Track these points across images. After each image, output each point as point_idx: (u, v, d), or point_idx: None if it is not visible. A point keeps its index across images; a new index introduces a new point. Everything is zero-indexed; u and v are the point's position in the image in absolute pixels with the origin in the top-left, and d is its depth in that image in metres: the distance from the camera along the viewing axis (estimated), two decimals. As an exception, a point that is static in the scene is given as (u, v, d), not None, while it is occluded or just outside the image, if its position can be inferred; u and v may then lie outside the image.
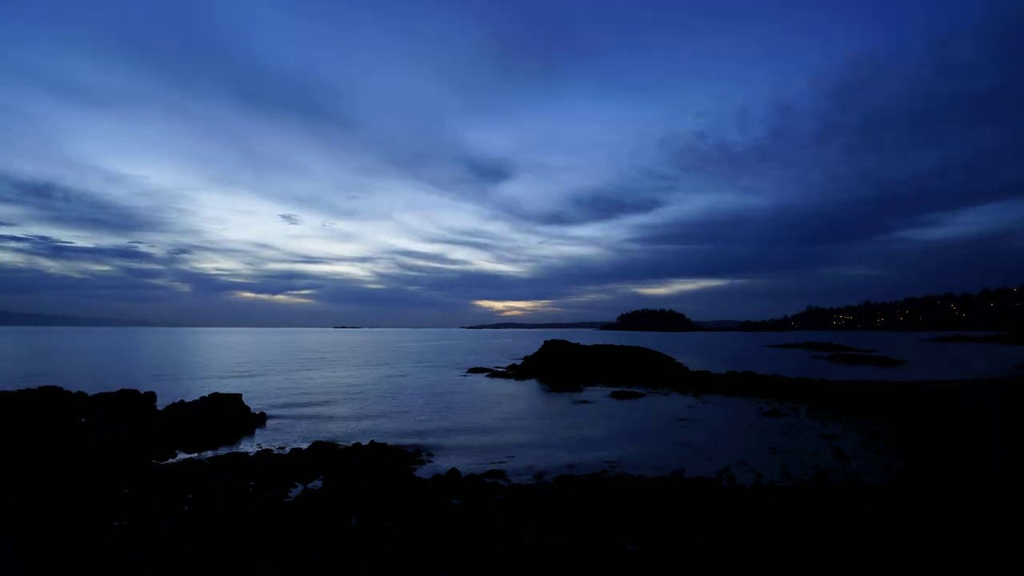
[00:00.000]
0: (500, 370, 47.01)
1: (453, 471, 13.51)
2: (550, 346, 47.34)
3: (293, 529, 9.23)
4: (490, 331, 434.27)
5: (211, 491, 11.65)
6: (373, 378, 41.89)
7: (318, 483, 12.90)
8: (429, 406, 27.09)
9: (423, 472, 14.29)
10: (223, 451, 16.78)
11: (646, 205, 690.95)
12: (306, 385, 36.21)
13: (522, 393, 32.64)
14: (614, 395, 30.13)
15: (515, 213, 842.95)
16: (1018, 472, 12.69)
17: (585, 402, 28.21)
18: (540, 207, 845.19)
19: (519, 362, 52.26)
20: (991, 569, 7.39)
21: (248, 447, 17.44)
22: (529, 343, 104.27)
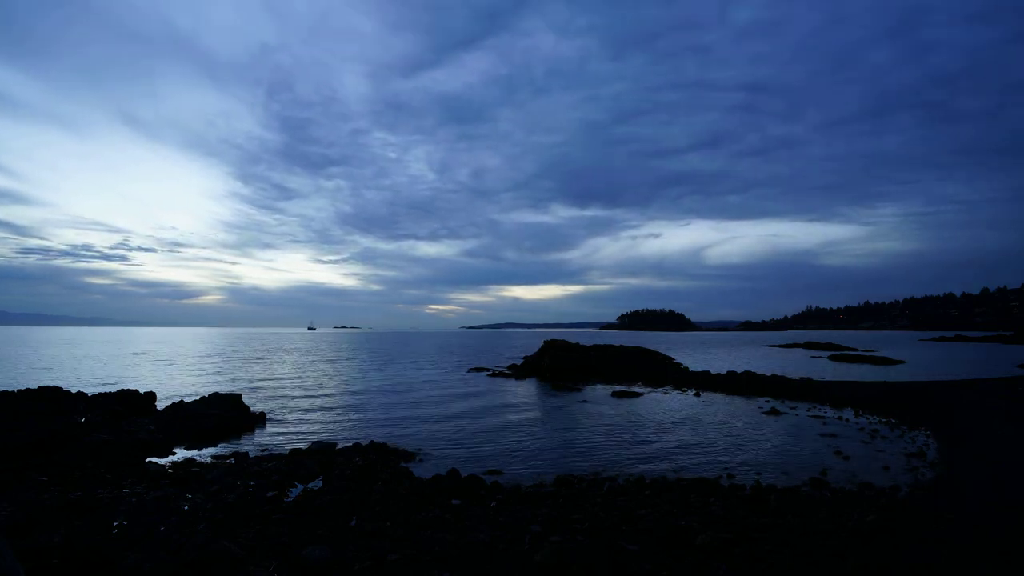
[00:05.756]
0: (501, 370, 47.01)
1: (453, 471, 13.49)
2: (550, 346, 47.26)
3: (293, 529, 9.23)
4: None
5: (211, 491, 11.64)
6: (373, 378, 41.88)
7: (318, 483, 12.89)
8: (429, 405, 27.09)
9: (423, 472, 14.27)
10: (223, 451, 16.77)
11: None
12: (305, 384, 36.21)
13: (523, 392, 32.62)
14: (614, 394, 30.13)
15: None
16: (1020, 472, 12.69)
17: (585, 401, 28.22)
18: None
19: (519, 361, 52.25)
20: (994, 569, 7.38)
21: (248, 447, 17.43)
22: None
